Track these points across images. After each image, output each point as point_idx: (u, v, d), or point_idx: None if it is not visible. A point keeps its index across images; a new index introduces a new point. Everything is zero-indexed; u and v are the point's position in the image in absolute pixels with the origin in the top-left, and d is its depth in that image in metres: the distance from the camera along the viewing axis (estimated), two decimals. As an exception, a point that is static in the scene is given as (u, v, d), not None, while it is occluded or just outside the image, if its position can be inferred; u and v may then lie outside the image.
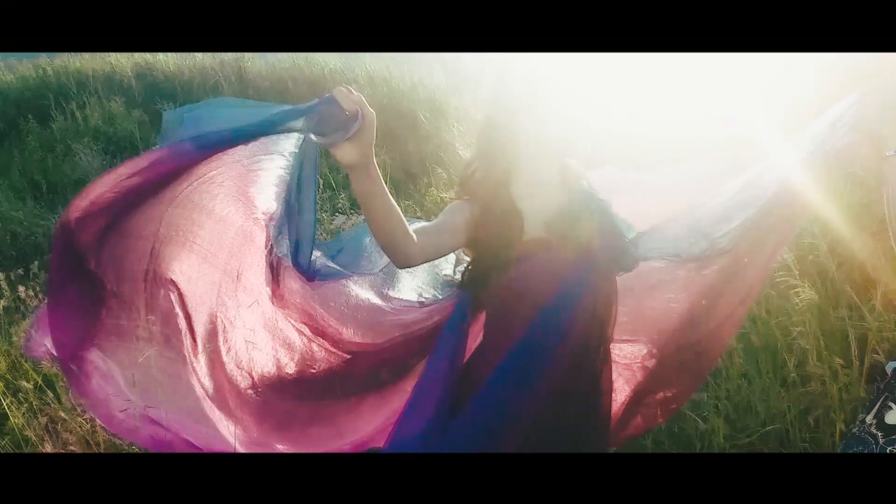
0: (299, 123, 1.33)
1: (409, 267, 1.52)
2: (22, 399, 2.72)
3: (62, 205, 5.42)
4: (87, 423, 2.53)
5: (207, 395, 1.63)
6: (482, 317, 1.65)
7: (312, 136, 1.33)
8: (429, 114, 6.91)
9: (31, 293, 3.48)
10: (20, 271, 3.94)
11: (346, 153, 1.30)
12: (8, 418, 2.65)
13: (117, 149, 7.53)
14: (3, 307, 3.46)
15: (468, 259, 1.61)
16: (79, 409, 2.58)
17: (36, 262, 3.73)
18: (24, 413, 2.62)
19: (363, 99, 1.30)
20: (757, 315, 2.94)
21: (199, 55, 9.69)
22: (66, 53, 10.96)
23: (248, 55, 9.53)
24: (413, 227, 1.47)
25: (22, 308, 3.53)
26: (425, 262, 1.54)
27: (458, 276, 1.65)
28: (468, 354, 1.64)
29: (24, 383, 2.65)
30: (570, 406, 1.54)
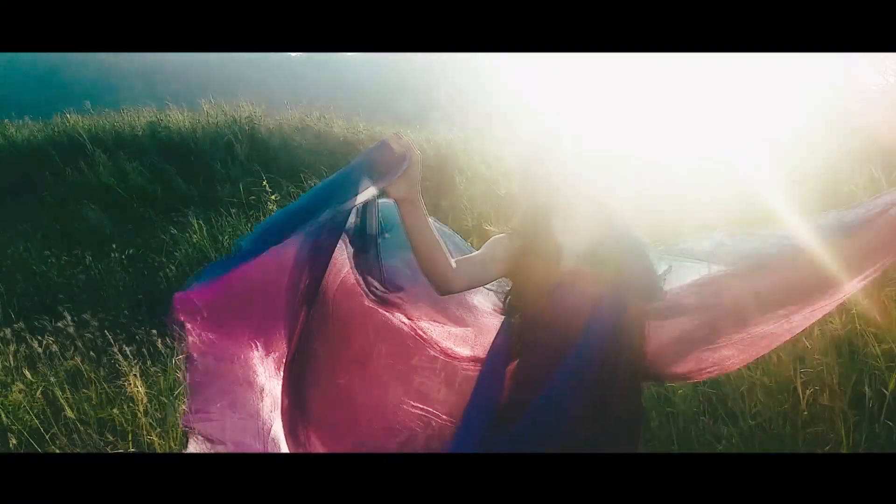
0: (360, 176, 1.50)
1: (449, 294, 1.68)
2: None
3: (82, 256, 5.56)
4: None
5: None
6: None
7: (368, 180, 1.51)
8: (439, 167, 7.11)
9: (52, 340, 3.56)
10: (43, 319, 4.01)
11: (397, 189, 1.52)
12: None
13: (128, 203, 7.70)
14: (28, 353, 3.56)
15: (509, 287, 1.75)
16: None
17: (62, 309, 3.80)
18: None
19: (411, 143, 1.52)
20: (768, 356, 3.06)
21: (210, 114, 9.99)
22: (76, 112, 11.25)
23: (259, 114, 9.83)
24: (456, 258, 1.64)
25: (48, 353, 3.60)
26: (464, 289, 1.70)
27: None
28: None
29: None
30: (602, 425, 1.66)
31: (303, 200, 1.52)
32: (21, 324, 3.53)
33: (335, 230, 1.59)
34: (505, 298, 1.76)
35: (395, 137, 1.51)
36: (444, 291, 1.65)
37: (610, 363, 1.62)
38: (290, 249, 1.54)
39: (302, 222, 1.45)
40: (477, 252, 1.73)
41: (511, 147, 6.57)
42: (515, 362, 1.75)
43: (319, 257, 1.60)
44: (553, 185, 1.68)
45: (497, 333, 1.78)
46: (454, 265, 1.62)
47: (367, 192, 1.50)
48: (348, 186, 1.48)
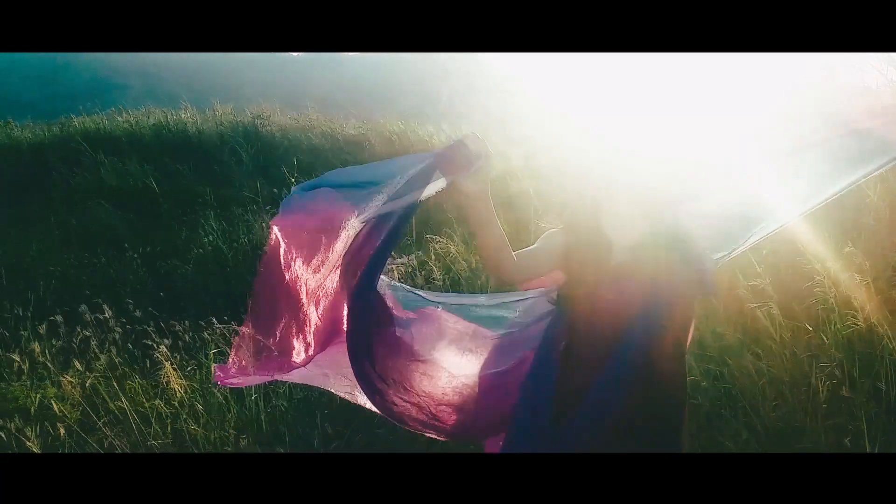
0: (432, 167, 1.59)
1: (508, 284, 1.75)
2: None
3: (93, 255, 5.61)
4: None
5: None
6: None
7: (441, 175, 1.61)
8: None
9: (89, 332, 3.61)
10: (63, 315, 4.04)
11: (470, 184, 1.60)
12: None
13: (133, 203, 7.74)
14: (59, 348, 3.62)
15: (563, 280, 1.82)
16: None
17: (83, 305, 3.83)
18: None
19: (486, 142, 1.59)
20: (781, 352, 3.13)
21: (219, 114, 10.04)
22: (84, 113, 11.27)
23: (264, 115, 9.90)
24: (515, 251, 1.72)
25: (75, 347, 3.65)
26: (523, 281, 1.78)
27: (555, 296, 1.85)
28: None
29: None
30: (649, 412, 1.72)
31: (375, 173, 1.62)
32: (60, 316, 3.58)
33: (405, 218, 1.68)
34: (559, 291, 1.82)
35: (473, 136, 1.61)
36: (504, 282, 1.73)
37: (658, 354, 1.68)
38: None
39: (370, 198, 1.59)
40: (533, 246, 1.81)
41: (516, 144, 6.62)
42: (566, 355, 1.80)
43: (383, 237, 1.69)
44: (601, 180, 1.75)
45: (546, 329, 1.84)
46: (515, 258, 1.69)
47: (438, 184, 1.58)
48: (424, 177, 1.58)
